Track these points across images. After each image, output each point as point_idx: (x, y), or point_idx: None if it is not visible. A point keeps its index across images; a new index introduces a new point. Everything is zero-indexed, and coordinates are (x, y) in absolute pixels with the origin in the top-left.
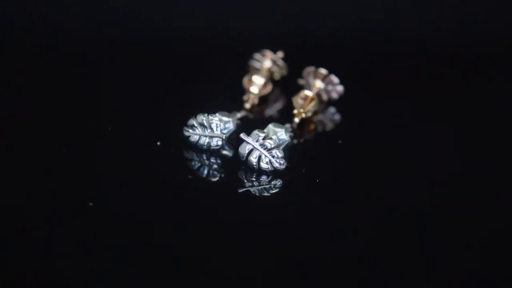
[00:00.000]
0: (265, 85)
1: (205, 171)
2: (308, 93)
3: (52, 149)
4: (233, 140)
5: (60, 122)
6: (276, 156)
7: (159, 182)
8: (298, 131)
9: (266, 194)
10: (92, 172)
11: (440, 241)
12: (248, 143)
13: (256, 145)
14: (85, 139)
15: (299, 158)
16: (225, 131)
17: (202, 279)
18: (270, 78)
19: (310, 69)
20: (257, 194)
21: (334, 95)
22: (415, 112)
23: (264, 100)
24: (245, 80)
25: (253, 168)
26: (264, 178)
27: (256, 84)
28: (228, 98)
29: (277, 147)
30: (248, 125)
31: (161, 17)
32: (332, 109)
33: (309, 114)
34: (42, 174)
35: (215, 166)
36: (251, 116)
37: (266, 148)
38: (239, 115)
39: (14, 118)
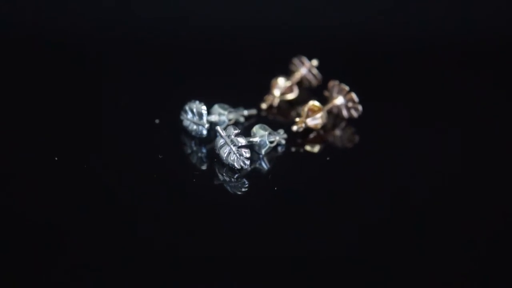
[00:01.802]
0: (289, 89)
1: (189, 157)
2: (316, 104)
3: (50, 146)
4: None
5: (72, 116)
6: (242, 155)
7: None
8: (300, 140)
9: (237, 192)
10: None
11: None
12: (221, 136)
13: (228, 140)
14: (85, 134)
15: (277, 164)
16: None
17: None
18: (297, 84)
19: (334, 82)
20: (230, 190)
21: (354, 114)
22: (419, 114)
23: (289, 105)
24: (272, 81)
25: (223, 162)
26: (231, 174)
27: (279, 87)
28: (247, 94)
29: (247, 146)
30: (252, 123)
31: (165, 15)
32: (352, 129)
33: (317, 126)
34: (37, 170)
35: (199, 154)
36: (260, 115)
37: (236, 145)
38: (246, 112)
39: (11, 117)
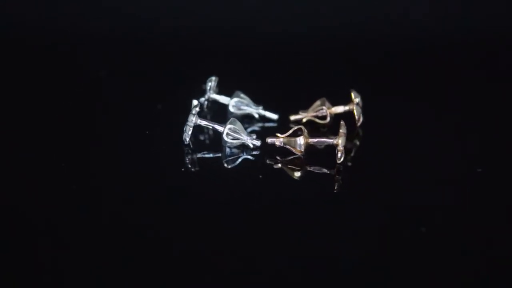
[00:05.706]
0: (322, 114)
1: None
2: (303, 129)
3: (50, 146)
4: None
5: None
6: (187, 132)
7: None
8: (278, 158)
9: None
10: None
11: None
12: (190, 111)
13: (190, 114)
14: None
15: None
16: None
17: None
18: (333, 114)
19: (341, 123)
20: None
21: (338, 157)
22: (419, 114)
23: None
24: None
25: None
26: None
27: (313, 107)
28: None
29: (192, 127)
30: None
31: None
32: (340, 175)
33: (295, 150)
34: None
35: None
36: (281, 122)
37: (189, 121)
38: (265, 113)
39: (11, 117)
